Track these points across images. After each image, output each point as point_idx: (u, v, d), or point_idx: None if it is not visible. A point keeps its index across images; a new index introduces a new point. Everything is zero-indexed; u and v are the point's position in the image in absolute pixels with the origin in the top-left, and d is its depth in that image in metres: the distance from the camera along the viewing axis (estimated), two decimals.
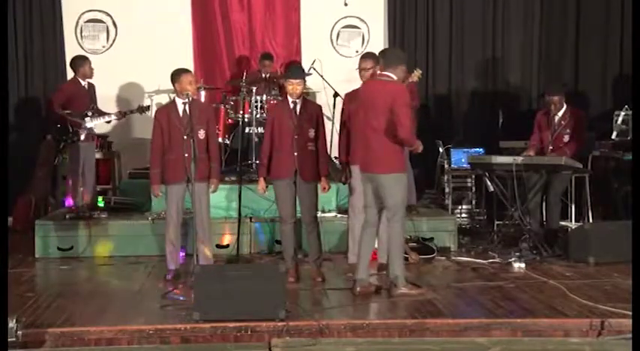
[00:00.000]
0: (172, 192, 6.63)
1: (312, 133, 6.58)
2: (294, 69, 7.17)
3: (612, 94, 10.05)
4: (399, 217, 6.09)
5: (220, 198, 7.97)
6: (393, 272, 6.13)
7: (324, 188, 6.77)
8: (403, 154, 6.25)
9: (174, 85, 6.67)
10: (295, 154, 6.50)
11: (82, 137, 8.05)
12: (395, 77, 6.10)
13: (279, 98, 8.82)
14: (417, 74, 7.64)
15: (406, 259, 6.83)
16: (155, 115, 6.89)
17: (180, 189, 6.61)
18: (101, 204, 8.38)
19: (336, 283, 6.65)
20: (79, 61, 8.25)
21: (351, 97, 6.98)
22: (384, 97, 6.02)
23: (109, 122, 8.63)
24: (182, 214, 6.73)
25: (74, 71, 8.25)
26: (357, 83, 6.93)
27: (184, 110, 6.57)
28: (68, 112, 8.02)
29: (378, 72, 6.33)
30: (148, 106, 8.56)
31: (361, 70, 6.86)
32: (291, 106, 6.57)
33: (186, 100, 6.57)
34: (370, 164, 6.15)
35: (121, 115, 8.48)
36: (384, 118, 6.01)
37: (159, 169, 6.64)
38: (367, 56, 7.03)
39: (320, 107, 6.85)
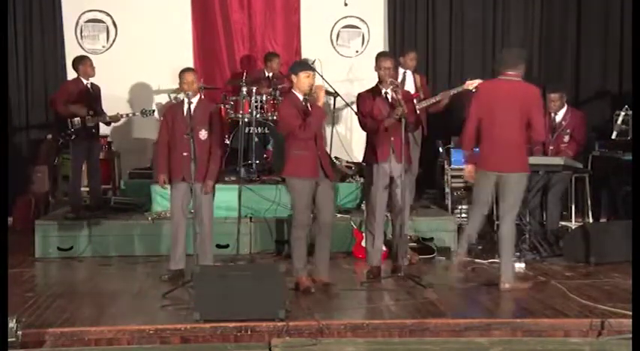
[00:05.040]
0: (176, 190, 6.62)
1: (322, 131, 6.44)
2: (303, 61, 7.06)
3: (612, 94, 10.03)
4: (514, 215, 6.36)
5: (220, 198, 7.96)
6: (504, 268, 6.29)
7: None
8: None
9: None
10: (318, 152, 6.22)
11: (82, 135, 8.03)
12: (520, 78, 6.32)
13: (280, 99, 8.78)
14: (473, 84, 7.60)
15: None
16: (163, 112, 6.99)
17: (182, 188, 6.58)
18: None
19: (337, 283, 6.64)
20: (79, 60, 8.23)
21: (364, 97, 6.74)
22: (522, 97, 6.25)
23: (108, 124, 8.63)
24: (187, 213, 6.68)
25: (76, 71, 8.24)
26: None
27: (188, 109, 6.56)
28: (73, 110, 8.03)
29: (503, 72, 6.38)
30: (153, 110, 8.53)
31: (385, 68, 6.64)
32: (304, 102, 6.19)
33: (191, 99, 6.57)
34: (503, 163, 6.24)
35: (116, 118, 8.41)
36: (519, 118, 6.19)
37: (164, 160, 6.64)
38: (388, 55, 6.94)
39: None
